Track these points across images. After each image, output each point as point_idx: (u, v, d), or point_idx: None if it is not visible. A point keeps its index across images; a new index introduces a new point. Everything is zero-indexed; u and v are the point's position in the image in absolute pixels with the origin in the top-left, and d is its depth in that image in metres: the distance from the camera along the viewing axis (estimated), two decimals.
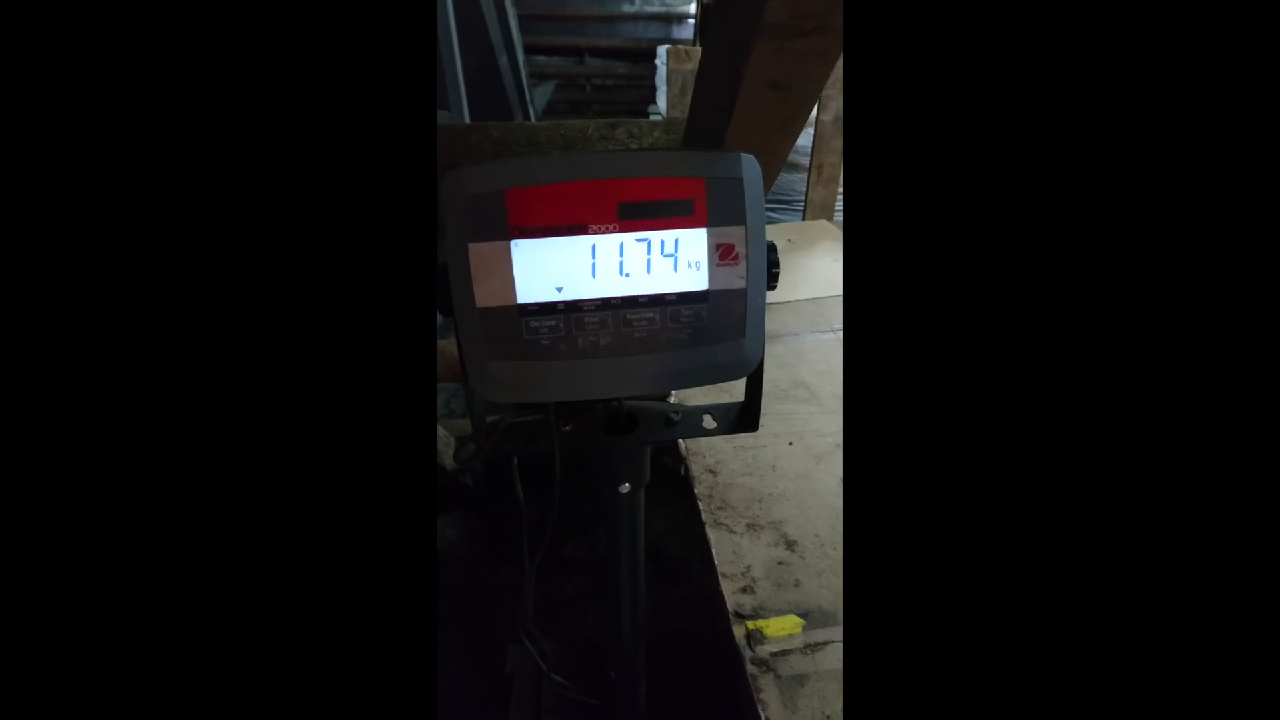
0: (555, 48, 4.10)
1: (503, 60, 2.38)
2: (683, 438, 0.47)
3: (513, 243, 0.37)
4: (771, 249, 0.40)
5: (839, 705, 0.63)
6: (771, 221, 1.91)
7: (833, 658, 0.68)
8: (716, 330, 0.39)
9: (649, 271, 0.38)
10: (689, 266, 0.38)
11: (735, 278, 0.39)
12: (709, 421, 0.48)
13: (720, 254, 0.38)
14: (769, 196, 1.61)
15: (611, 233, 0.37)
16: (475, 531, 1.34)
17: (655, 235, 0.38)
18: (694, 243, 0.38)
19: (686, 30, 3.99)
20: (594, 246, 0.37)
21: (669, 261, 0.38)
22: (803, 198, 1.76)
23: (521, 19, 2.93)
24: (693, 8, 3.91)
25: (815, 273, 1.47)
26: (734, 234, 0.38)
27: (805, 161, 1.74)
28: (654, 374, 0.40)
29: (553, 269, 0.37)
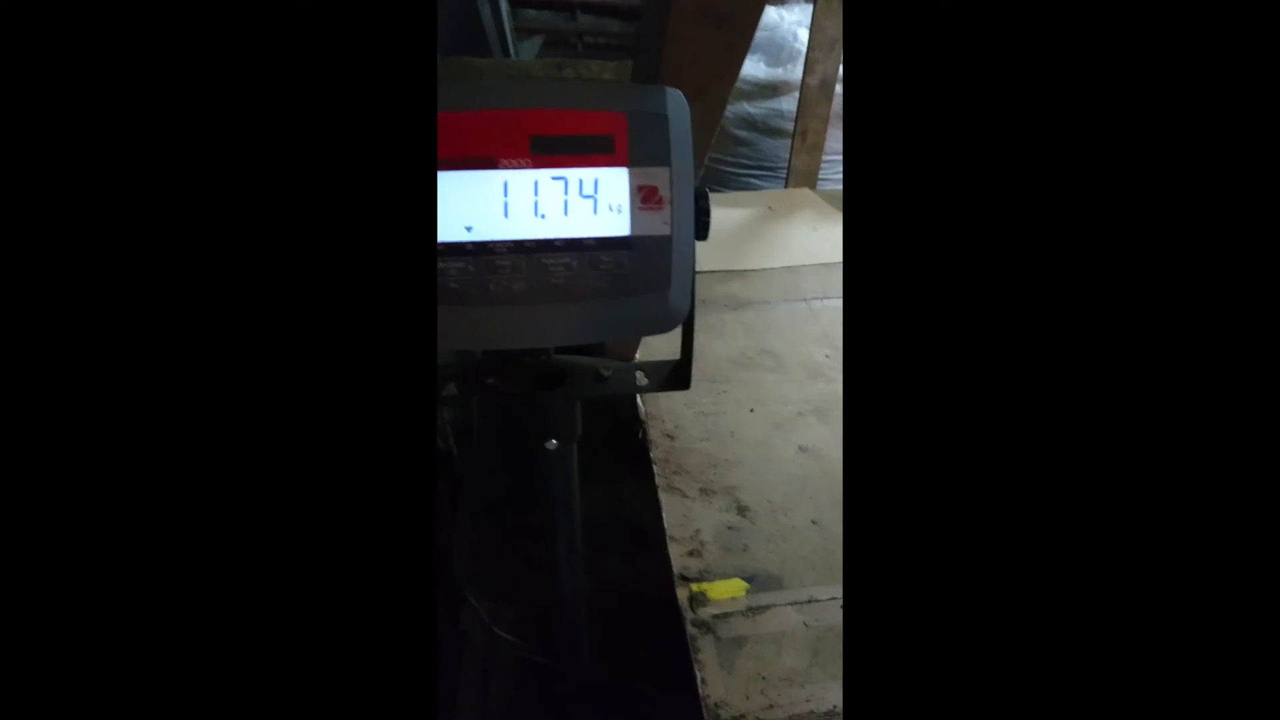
0: (546, 1, 3.96)
1: (485, 11, 2.28)
2: (613, 393, 0.46)
3: None
4: (701, 195, 0.38)
5: (775, 667, 0.63)
6: (753, 188, 1.88)
7: (773, 621, 0.68)
8: (639, 279, 0.37)
9: (566, 213, 0.36)
10: (609, 209, 0.36)
11: (659, 223, 0.37)
12: (641, 378, 0.47)
13: (643, 197, 0.36)
14: (751, 162, 1.58)
15: (524, 168, 0.35)
16: (445, 492, 1.33)
17: (572, 173, 0.35)
18: (614, 183, 0.36)
19: None
20: (505, 183, 0.35)
21: (588, 203, 0.36)
22: (786, 165, 1.72)
23: None
24: None
25: (792, 241, 1.45)
26: (658, 176, 0.36)
27: (789, 128, 1.69)
28: (572, 324, 0.38)
29: (461, 206, 0.35)
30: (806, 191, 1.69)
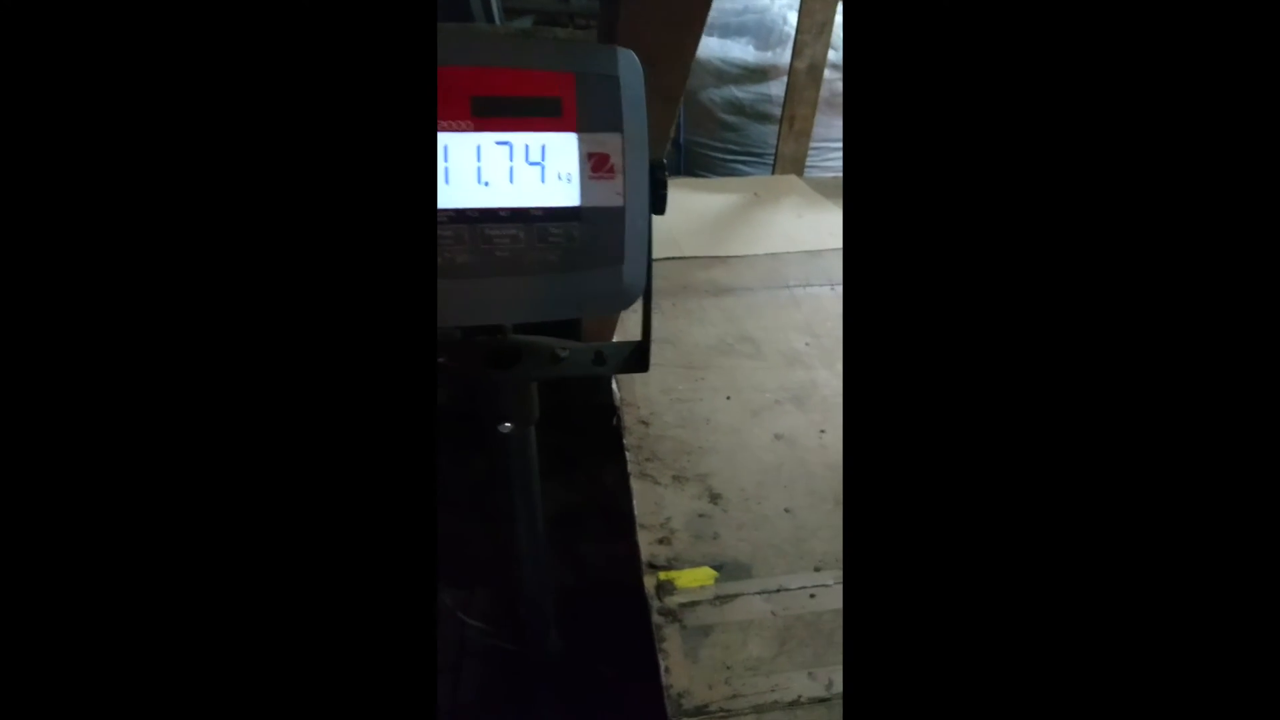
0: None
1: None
2: (570, 375, 0.44)
3: None
4: (658, 166, 0.36)
5: (741, 656, 0.62)
6: (739, 174, 1.85)
7: (741, 610, 0.67)
8: (591, 253, 0.35)
9: (511, 181, 0.34)
10: (558, 178, 0.34)
11: (611, 194, 0.35)
12: (599, 359, 0.45)
13: (593, 165, 0.34)
14: (738, 148, 1.55)
15: (465, 131, 0.33)
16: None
17: (517, 138, 0.33)
18: (563, 150, 0.34)
19: None
20: (446, 147, 0.33)
21: (534, 171, 0.34)
22: (773, 151, 1.70)
23: None
24: None
25: (776, 228, 1.43)
26: (609, 142, 0.34)
27: (778, 113, 1.67)
28: (519, 300, 0.36)
29: None
30: (793, 178, 1.67)
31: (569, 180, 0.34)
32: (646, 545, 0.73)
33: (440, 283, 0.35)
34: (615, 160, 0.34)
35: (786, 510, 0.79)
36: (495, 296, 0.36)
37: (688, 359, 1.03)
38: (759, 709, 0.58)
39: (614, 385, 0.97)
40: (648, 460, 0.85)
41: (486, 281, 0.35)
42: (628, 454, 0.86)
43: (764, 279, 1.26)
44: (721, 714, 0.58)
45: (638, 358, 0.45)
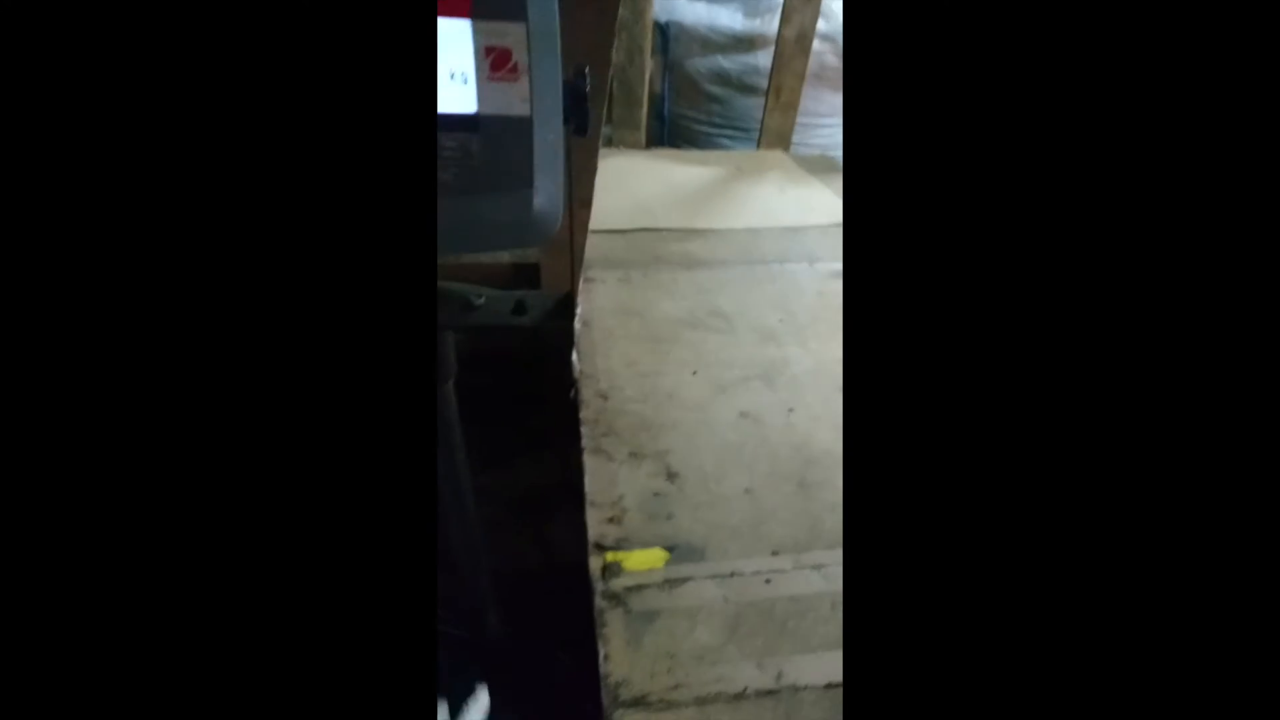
0: None
1: None
2: (484, 324, 0.38)
3: None
4: (579, 73, 0.30)
5: (687, 644, 0.58)
6: (722, 148, 1.79)
7: (690, 595, 0.63)
8: (492, 173, 0.30)
9: None
10: (450, 78, 0.28)
11: (515, 100, 0.29)
12: (520, 309, 0.39)
13: (492, 63, 0.28)
14: (724, 121, 1.49)
15: None
16: None
17: None
18: (455, 40, 0.28)
19: None
20: None
21: None
22: (759, 125, 1.64)
23: None
24: None
25: (756, 202, 1.38)
26: (510, 34, 0.28)
27: (764, 85, 1.61)
28: None
29: None
30: (779, 154, 1.61)
31: (464, 81, 0.29)
32: (595, 525, 0.69)
33: None
34: (519, 57, 0.28)
35: (746, 491, 0.74)
36: None
37: (654, 332, 0.98)
38: (701, 700, 0.54)
39: (574, 356, 0.91)
40: (604, 436, 0.80)
41: None
42: (583, 429, 0.81)
43: (740, 253, 1.21)
44: (661, 705, 0.54)
45: (562, 308, 0.39)
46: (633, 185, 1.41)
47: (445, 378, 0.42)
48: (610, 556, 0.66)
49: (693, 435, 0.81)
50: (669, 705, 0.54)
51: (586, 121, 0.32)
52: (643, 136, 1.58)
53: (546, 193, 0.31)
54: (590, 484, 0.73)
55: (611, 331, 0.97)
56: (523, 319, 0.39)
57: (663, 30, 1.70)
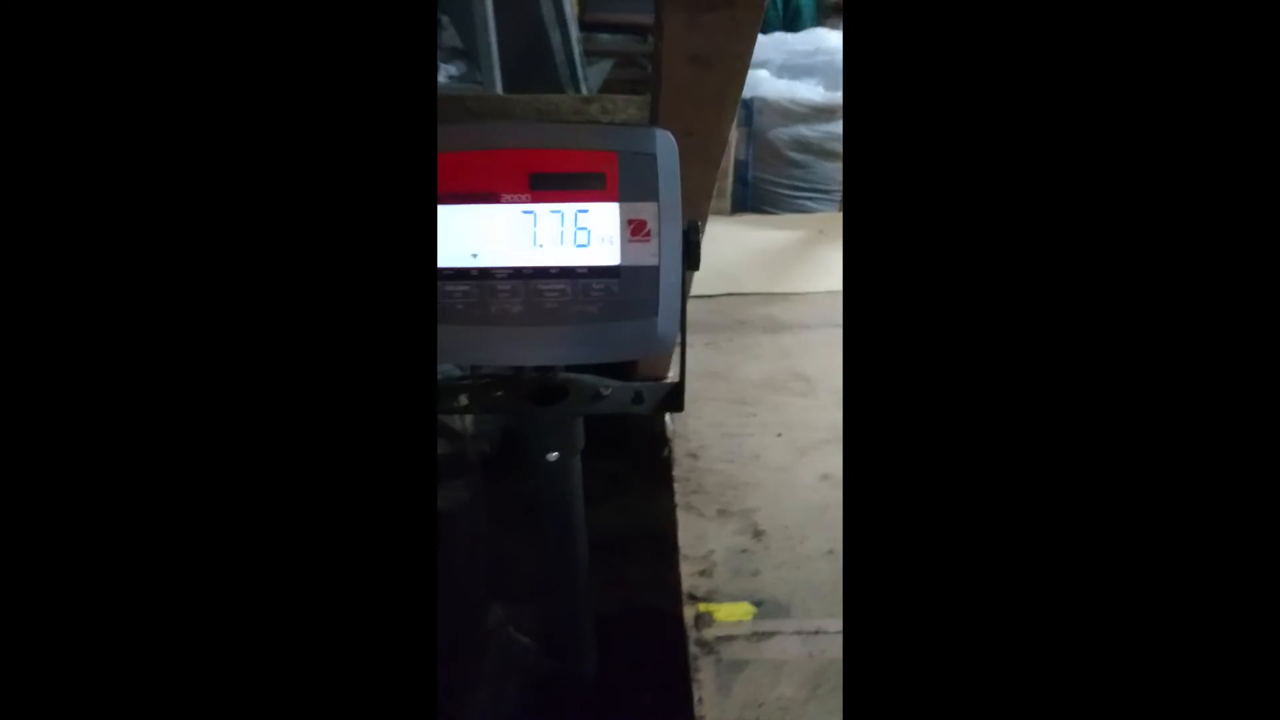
0: (619, 25, 4.08)
1: (555, 37, 2.39)
2: (610, 412, 0.48)
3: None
4: (692, 228, 0.40)
5: (773, 695, 0.63)
6: (806, 210, 1.86)
7: (776, 649, 0.68)
8: (628, 306, 0.40)
9: (561, 243, 0.39)
10: (601, 241, 0.39)
11: (648, 254, 0.39)
12: (638, 399, 0.49)
13: (632, 230, 0.39)
14: (805, 185, 1.58)
15: (524, 202, 0.38)
16: (481, 498, 1.38)
17: (568, 208, 0.38)
18: (605, 217, 0.39)
19: None
20: (507, 215, 0.38)
21: (581, 234, 0.39)
22: (840, 187, 1.71)
23: None
24: None
25: (837, 265, 1.43)
26: (646, 210, 0.38)
27: (842, 150, 1.68)
28: (563, 345, 0.41)
29: (467, 235, 0.39)
30: (837, 216, 1.66)
31: (610, 242, 0.39)
32: (688, 576, 0.76)
33: (498, 329, 0.40)
34: (651, 225, 0.39)
35: (829, 552, 0.79)
36: (543, 341, 0.40)
37: (739, 394, 1.05)
38: None
39: (668, 418, 1.00)
40: (694, 493, 0.87)
41: (537, 329, 0.40)
42: (675, 485, 0.88)
43: (821, 317, 1.26)
44: None
45: (674, 398, 0.48)
46: (717, 251, 1.51)
47: (574, 452, 0.52)
48: (702, 607, 0.72)
49: (777, 495, 0.86)
50: None
51: (697, 261, 0.41)
52: (728, 203, 1.69)
53: (667, 320, 0.41)
54: (682, 537, 0.81)
55: (699, 394, 1.06)
56: (640, 407, 0.49)
57: (746, 105, 1.83)
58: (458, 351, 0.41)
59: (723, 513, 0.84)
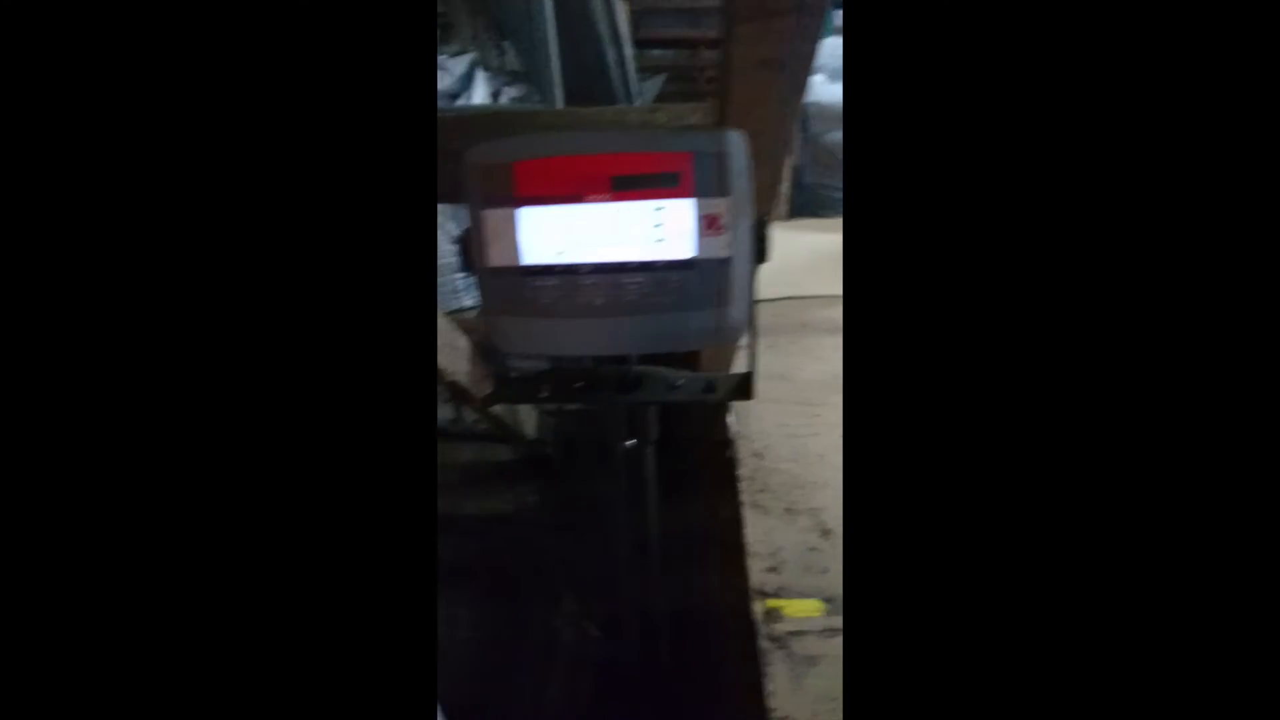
0: (670, 40, 4.15)
1: (609, 54, 2.46)
2: (683, 400, 0.50)
3: (518, 210, 0.42)
4: (760, 223, 0.42)
5: None
6: None
7: None
8: (701, 296, 0.42)
9: (640, 239, 0.42)
10: (677, 236, 0.42)
11: (721, 247, 0.41)
12: (709, 388, 0.51)
13: (706, 224, 0.41)
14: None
15: (606, 201, 0.41)
16: (548, 500, 1.43)
17: (646, 205, 0.41)
18: (682, 213, 0.41)
19: None
20: (590, 214, 0.42)
21: (658, 230, 0.42)
22: None
23: (639, 13, 2.98)
24: None
25: None
26: (720, 205, 0.41)
27: None
28: (644, 334, 0.43)
29: (553, 234, 0.42)
30: None
31: (686, 237, 0.41)
32: (756, 572, 0.76)
33: (582, 321, 0.43)
34: (724, 220, 0.41)
35: None
36: (623, 330, 0.43)
37: (802, 395, 1.05)
38: None
39: (731, 419, 1.01)
40: (760, 491, 0.88)
41: (618, 320, 0.43)
42: (740, 484, 0.89)
43: None
44: None
45: (743, 387, 0.50)
46: (777, 254, 1.51)
47: (649, 440, 0.54)
48: (771, 603, 0.72)
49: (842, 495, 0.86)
50: None
51: (767, 254, 0.43)
52: (784, 208, 1.69)
53: (739, 309, 0.43)
54: (750, 535, 0.81)
55: (762, 395, 1.06)
56: (713, 395, 0.51)
57: (801, 110, 1.83)
58: (544, 343, 0.44)
59: (790, 511, 0.84)
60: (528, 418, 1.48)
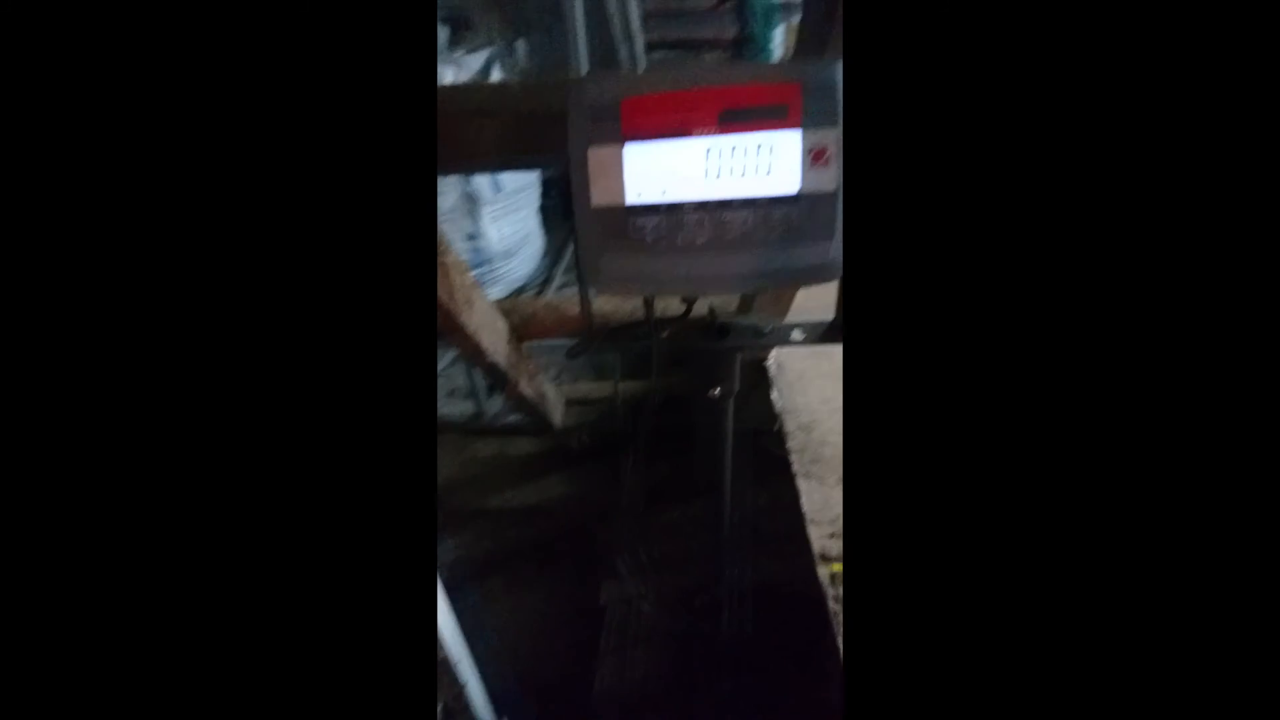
0: (675, 42, 4.18)
1: (623, 51, 2.49)
2: (772, 345, 0.50)
3: (625, 146, 0.42)
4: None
5: None
6: None
7: None
8: (806, 232, 0.42)
9: (745, 173, 0.42)
10: (782, 169, 0.42)
11: (827, 180, 0.41)
12: (797, 334, 0.51)
13: (814, 157, 0.41)
14: None
15: (712, 135, 0.41)
16: (577, 490, 1.42)
17: (752, 138, 0.41)
18: (788, 145, 0.41)
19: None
20: (695, 149, 0.42)
21: (764, 164, 0.42)
22: None
23: (647, 16, 3.01)
24: None
25: None
26: (827, 136, 0.41)
27: None
28: (746, 271, 0.43)
29: (659, 172, 0.42)
30: None
31: (791, 171, 0.42)
32: (817, 540, 0.76)
33: (685, 258, 0.43)
34: (832, 151, 0.41)
35: None
36: (727, 268, 0.43)
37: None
38: None
39: (774, 394, 1.01)
40: (812, 463, 0.88)
41: (722, 257, 0.43)
42: (791, 456, 0.89)
43: None
44: None
45: (834, 330, 0.50)
46: None
47: (732, 391, 0.54)
48: (835, 567, 0.72)
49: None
50: None
51: None
52: None
53: (840, 245, 0.43)
54: (807, 504, 0.81)
55: (804, 372, 1.06)
56: (801, 341, 0.51)
57: None
58: (648, 281, 0.44)
59: (842, 480, 0.84)
60: (555, 406, 1.47)
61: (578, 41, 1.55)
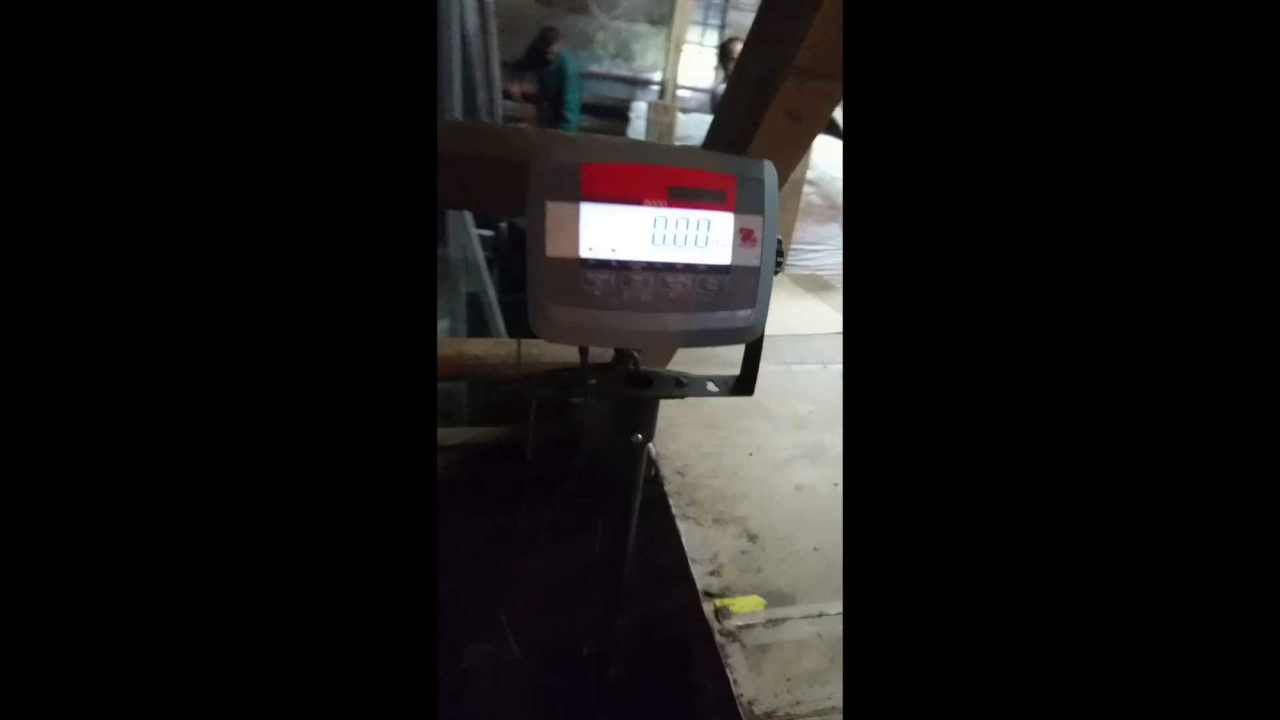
0: (529, 96, 4.29)
1: (482, 96, 2.50)
2: (691, 396, 0.55)
3: (582, 205, 0.45)
4: (779, 240, 0.51)
5: (798, 670, 0.70)
6: None
7: (791, 631, 0.75)
8: (734, 298, 0.49)
9: (686, 243, 0.47)
10: (718, 244, 0.48)
11: (752, 257, 0.49)
12: (712, 386, 0.57)
13: (743, 236, 0.48)
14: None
15: (661, 206, 0.46)
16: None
17: (695, 214, 0.47)
18: (723, 224, 0.48)
19: (651, 94, 4.33)
20: (645, 217, 0.46)
21: (703, 237, 0.48)
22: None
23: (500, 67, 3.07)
24: (657, 75, 4.26)
25: (772, 316, 1.61)
26: (754, 221, 0.48)
27: None
28: (682, 329, 0.48)
29: (611, 232, 0.46)
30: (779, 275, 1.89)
31: (725, 245, 0.48)
32: (700, 576, 0.81)
33: (630, 314, 0.47)
34: (757, 234, 0.48)
35: (815, 549, 0.88)
36: (667, 325, 0.48)
37: (711, 420, 1.15)
38: (820, 713, 0.65)
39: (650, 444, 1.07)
40: (689, 505, 0.94)
41: (663, 315, 0.47)
42: (670, 499, 0.95)
43: (766, 356, 1.41)
44: (788, 717, 0.65)
45: (744, 383, 0.57)
46: None
47: (650, 436, 0.58)
48: (719, 602, 0.78)
49: (761, 504, 0.96)
50: (796, 718, 0.65)
51: (781, 266, 0.52)
52: None
53: (761, 310, 0.50)
54: (688, 544, 0.86)
55: (675, 419, 1.14)
56: (717, 391, 0.57)
57: None
58: (595, 333, 0.47)
59: (718, 520, 0.92)
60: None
61: (452, 86, 1.54)
